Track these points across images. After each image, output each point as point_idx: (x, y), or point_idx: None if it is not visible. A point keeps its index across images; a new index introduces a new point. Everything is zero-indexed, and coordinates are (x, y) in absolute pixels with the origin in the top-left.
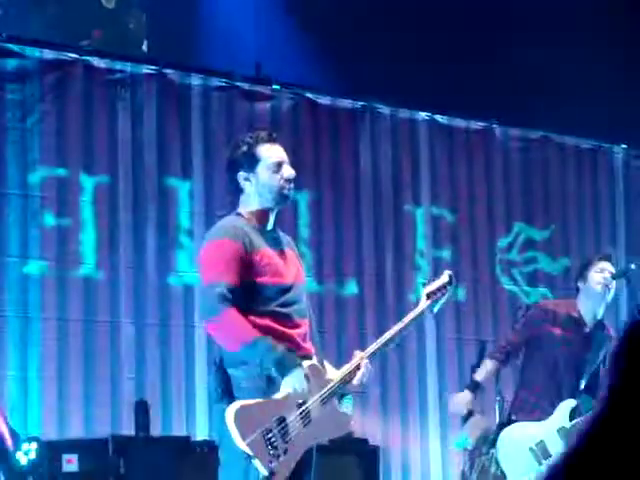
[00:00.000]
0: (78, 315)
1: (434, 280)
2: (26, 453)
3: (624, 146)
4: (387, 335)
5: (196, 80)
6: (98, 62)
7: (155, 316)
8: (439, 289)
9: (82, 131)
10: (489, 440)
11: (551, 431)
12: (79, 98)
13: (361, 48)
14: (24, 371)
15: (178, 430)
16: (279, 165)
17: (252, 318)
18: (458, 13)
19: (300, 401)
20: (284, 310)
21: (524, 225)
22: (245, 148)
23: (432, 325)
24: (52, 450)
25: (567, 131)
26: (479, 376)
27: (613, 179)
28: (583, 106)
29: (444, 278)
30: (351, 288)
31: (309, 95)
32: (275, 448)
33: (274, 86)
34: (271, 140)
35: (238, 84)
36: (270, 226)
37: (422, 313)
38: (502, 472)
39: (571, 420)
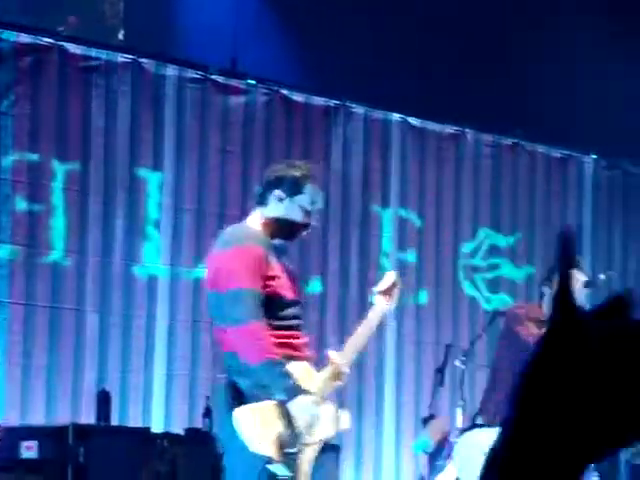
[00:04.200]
0: (45, 301)
1: (381, 281)
2: None
3: (594, 156)
4: (361, 341)
5: (171, 71)
6: (74, 48)
7: (119, 306)
8: (389, 288)
9: (55, 117)
10: (450, 444)
11: None
12: (53, 84)
13: (338, 46)
14: None
15: (135, 421)
16: (312, 210)
17: (271, 330)
18: (436, 14)
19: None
20: (295, 322)
21: (490, 231)
22: (299, 174)
23: (392, 327)
24: (11, 436)
25: (538, 139)
26: None
27: (582, 189)
28: (554, 115)
29: (390, 277)
30: (315, 286)
31: (284, 91)
32: (292, 451)
33: (249, 81)
34: (320, 189)
35: (213, 77)
36: (275, 243)
37: (382, 312)
38: (458, 478)
39: None
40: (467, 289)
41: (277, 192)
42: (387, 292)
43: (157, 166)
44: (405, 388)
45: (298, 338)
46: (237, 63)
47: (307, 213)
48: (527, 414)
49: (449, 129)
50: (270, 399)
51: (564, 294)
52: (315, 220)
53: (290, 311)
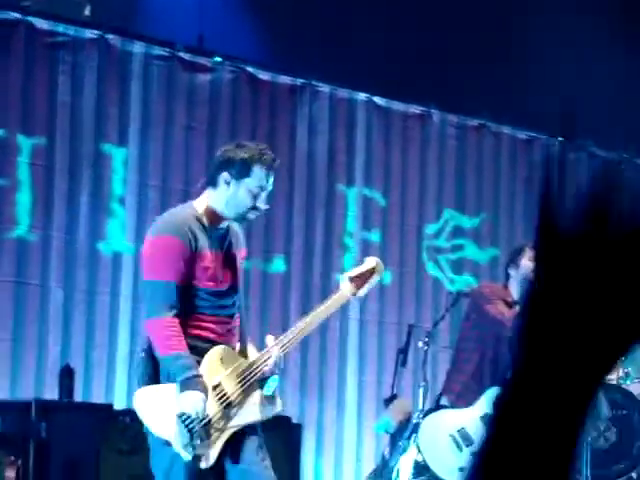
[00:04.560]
0: (10, 276)
1: (359, 265)
2: None
3: (560, 139)
4: (303, 326)
5: (138, 48)
6: (40, 24)
7: (83, 282)
8: (363, 274)
9: (21, 92)
10: (412, 425)
11: (474, 418)
12: (20, 59)
13: (304, 25)
14: None
15: (98, 398)
16: (260, 192)
17: (186, 319)
18: None
19: (215, 383)
20: (217, 313)
21: (454, 212)
22: (246, 156)
23: (355, 307)
24: None
25: (504, 121)
26: None
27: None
28: (521, 97)
29: (370, 263)
30: (278, 265)
31: (250, 69)
32: (192, 431)
33: (215, 58)
34: (271, 168)
35: (179, 54)
36: (221, 226)
37: (344, 299)
38: (423, 459)
39: None
40: (431, 270)
41: (225, 174)
42: (360, 278)
43: (122, 142)
44: (367, 368)
45: (222, 325)
46: (204, 40)
47: (254, 196)
48: (536, 347)
49: (415, 109)
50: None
51: (546, 217)
52: (263, 203)
53: (212, 301)
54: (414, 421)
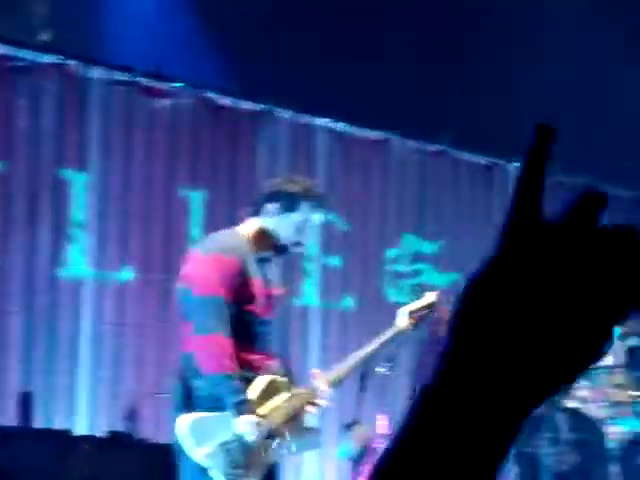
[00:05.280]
0: None
1: (418, 299)
2: None
3: (518, 164)
4: (352, 362)
5: (97, 73)
6: None
7: (44, 308)
8: (423, 308)
9: None
10: (372, 450)
11: None
12: None
13: (264, 50)
14: None
15: (60, 424)
16: (306, 230)
17: (235, 345)
18: (362, 15)
19: (261, 414)
20: (261, 341)
21: (414, 237)
22: (298, 191)
23: (317, 332)
24: None
25: (463, 146)
26: None
27: (507, 196)
28: (479, 122)
29: (430, 297)
30: None
31: (210, 95)
32: (234, 461)
33: (175, 84)
34: (320, 207)
35: (139, 79)
36: (264, 256)
37: (402, 332)
38: None
39: None
40: (392, 295)
41: (271, 206)
42: (417, 313)
43: (82, 167)
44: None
45: (263, 356)
46: (163, 66)
47: (298, 230)
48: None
49: (374, 135)
50: (220, 411)
51: (528, 194)
52: (306, 239)
53: (258, 329)
54: (375, 446)
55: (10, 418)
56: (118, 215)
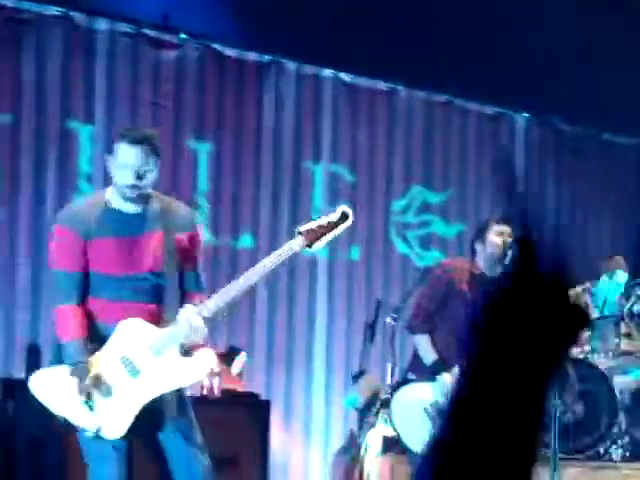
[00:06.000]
0: None
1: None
2: None
3: (526, 114)
4: (228, 292)
5: (102, 24)
6: (4, 0)
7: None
8: (320, 227)
9: None
10: (380, 400)
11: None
12: None
13: (270, 1)
14: None
15: None
16: (124, 167)
17: (85, 305)
18: None
19: (123, 355)
20: (118, 294)
21: (421, 188)
22: (117, 135)
23: (323, 282)
24: None
25: (470, 97)
26: (430, 357)
27: (514, 147)
28: (487, 73)
29: (334, 215)
30: (245, 241)
31: (215, 46)
32: (92, 407)
33: (181, 35)
34: (131, 142)
35: (145, 31)
36: (133, 209)
37: (295, 252)
38: (397, 434)
39: None
40: (399, 246)
41: (109, 157)
42: (315, 232)
43: (88, 119)
44: (336, 344)
45: (120, 308)
46: (169, 18)
47: (123, 167)
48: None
49: (381, 85)
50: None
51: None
52: (124, 178)
53: (111, 285)
54: (382, 397)
55: (18, 369)
56: None
